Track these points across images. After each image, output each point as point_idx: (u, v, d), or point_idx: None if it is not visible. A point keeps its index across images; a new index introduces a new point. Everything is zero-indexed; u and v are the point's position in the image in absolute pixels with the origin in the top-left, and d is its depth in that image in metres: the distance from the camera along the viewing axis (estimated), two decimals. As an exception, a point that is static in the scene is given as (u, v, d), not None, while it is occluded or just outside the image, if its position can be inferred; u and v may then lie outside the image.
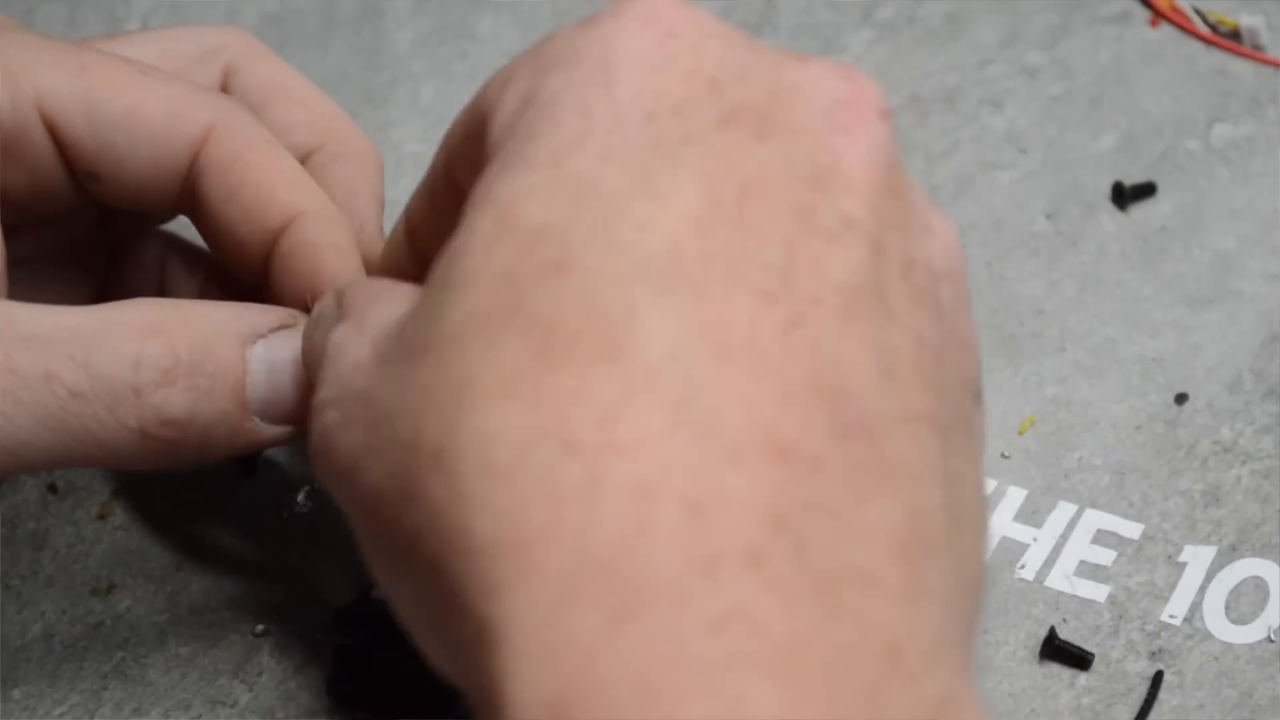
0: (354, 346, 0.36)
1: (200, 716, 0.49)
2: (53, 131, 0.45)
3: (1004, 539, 0.53)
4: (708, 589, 0.28)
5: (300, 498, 0.47)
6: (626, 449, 0.29)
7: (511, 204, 0.32)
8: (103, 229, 0.51)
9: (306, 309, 0.45)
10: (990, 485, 0.54)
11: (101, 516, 0.53)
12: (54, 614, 0.51)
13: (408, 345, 0.33)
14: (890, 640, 0.29)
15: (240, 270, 0.48)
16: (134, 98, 0.46)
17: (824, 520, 0.29)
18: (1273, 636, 0.51)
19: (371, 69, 0.67)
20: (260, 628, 0.50)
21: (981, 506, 0.34)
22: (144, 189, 0.47)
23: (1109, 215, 0.62)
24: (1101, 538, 0.53)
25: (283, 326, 0.44)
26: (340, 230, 0.47)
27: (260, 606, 0.51)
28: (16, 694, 0.49)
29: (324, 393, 0.37)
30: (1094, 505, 0.54)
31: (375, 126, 0.65)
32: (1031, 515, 0.54)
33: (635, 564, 0.28)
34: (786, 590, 0.28)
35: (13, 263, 0.47)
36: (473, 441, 0.30)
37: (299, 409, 0.44)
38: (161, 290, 0.51)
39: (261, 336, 0.44)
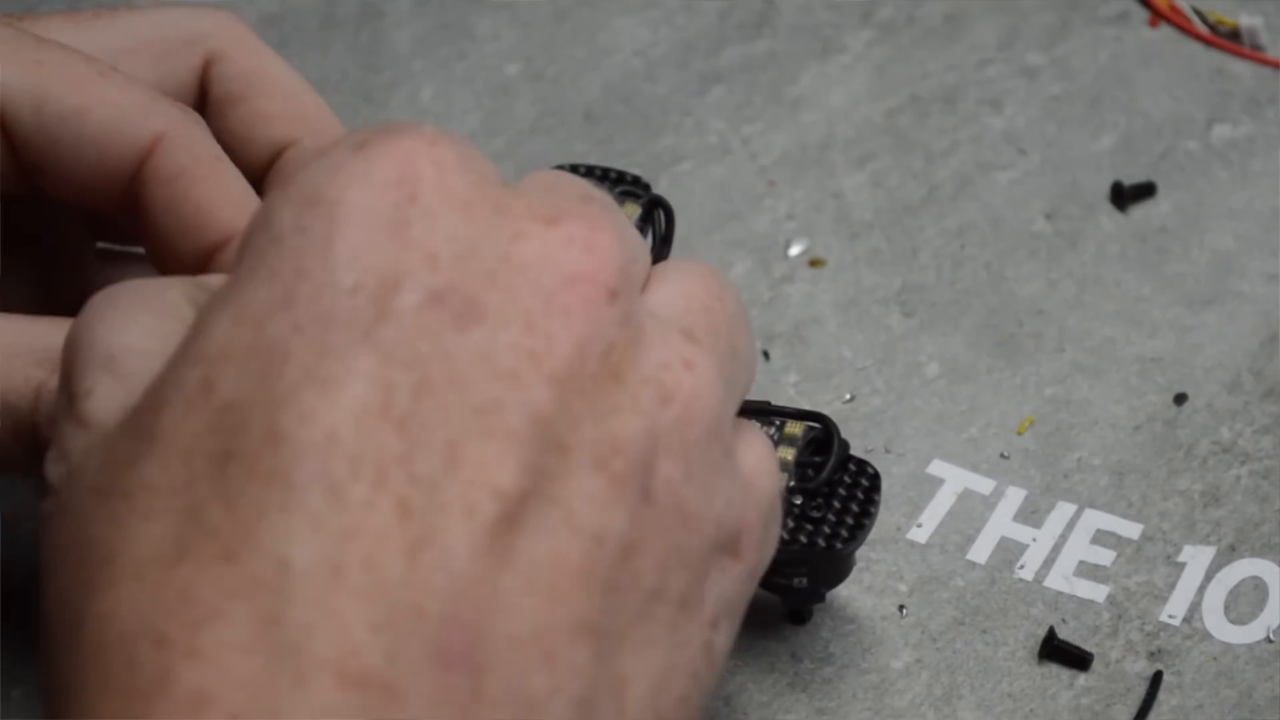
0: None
1: (199, 717, 0.49)
2: (1, 121, 0.45)
3: (1003, 539, 0.53)
4: None
5: None
6: (202, 655, 0.29)
7: (214, 367, 0.31)
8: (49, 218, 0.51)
9: None
10: (990, 485, 0.54)
11: (101, 517, 0.53)
12: (53, 614, 0.51)
13: (92, 480, 0.32)
14: None
15: None
16: (85, 98, 0.46)
17: None
18: (1272, 637, 0.51)
19: (371, 69, 0.67)
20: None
21: (678, 704, 0.33)
22: (87, 188, 0.46)
23: (1108, 215, 0.62)
24: (1101, 538, 0.53)
25: None
26: None
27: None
28: (16, 694, 0.49)
29: None
30: (1093, 505, 0.54)
31: (374, 127, 0.65)
32: (1031, 515, 0.54)
33: None
34: None
35: None
36: (95, 618, 0.30)
37: None
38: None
39: None
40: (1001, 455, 0.55)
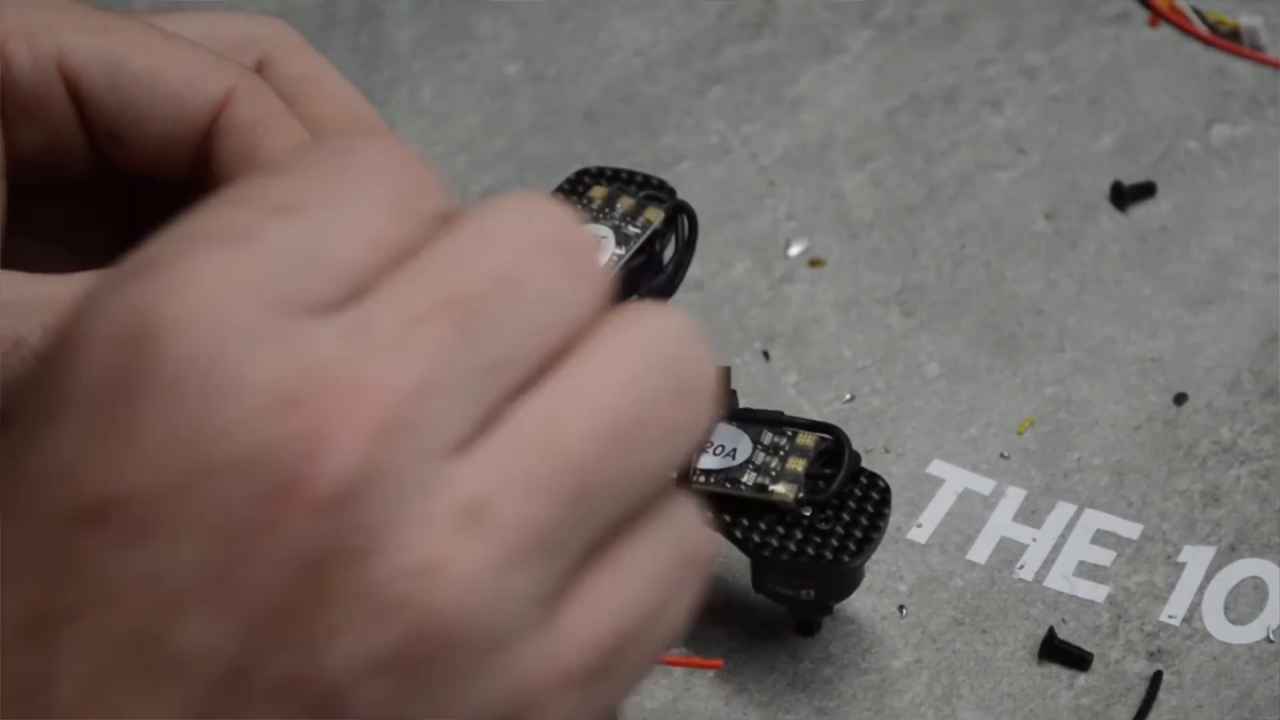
0: None
1: (200, 717, 0.49)
2: (74, 90, 0.45)
3: (1003, 539, 0.53)
4: None
5: None
6: None
7: None
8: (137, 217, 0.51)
9: None
10: (989, 485, 0.54)
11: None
12: (53, 614, 0.51)
13: None
14: None
15: None
16: (157, 58, 0.46)
17: None
18: (1271, 637, 0.51)
19: (371, 69, 0.67)
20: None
21: None
22: (163, 150, 0.46)
23: (1108, 215, 0.62)
24: (1101, 538, 0.53)
25: None
26: None
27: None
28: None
29: None
30: (1093, 505, 0.54)
31: (375, 126, 0.65)
32: (1031, 515, 0.54)
33: None
34: None
35: (43, 229, 0.47)
36: None
37: None
38: None
39: None
40: (1001, 455, 0.55)
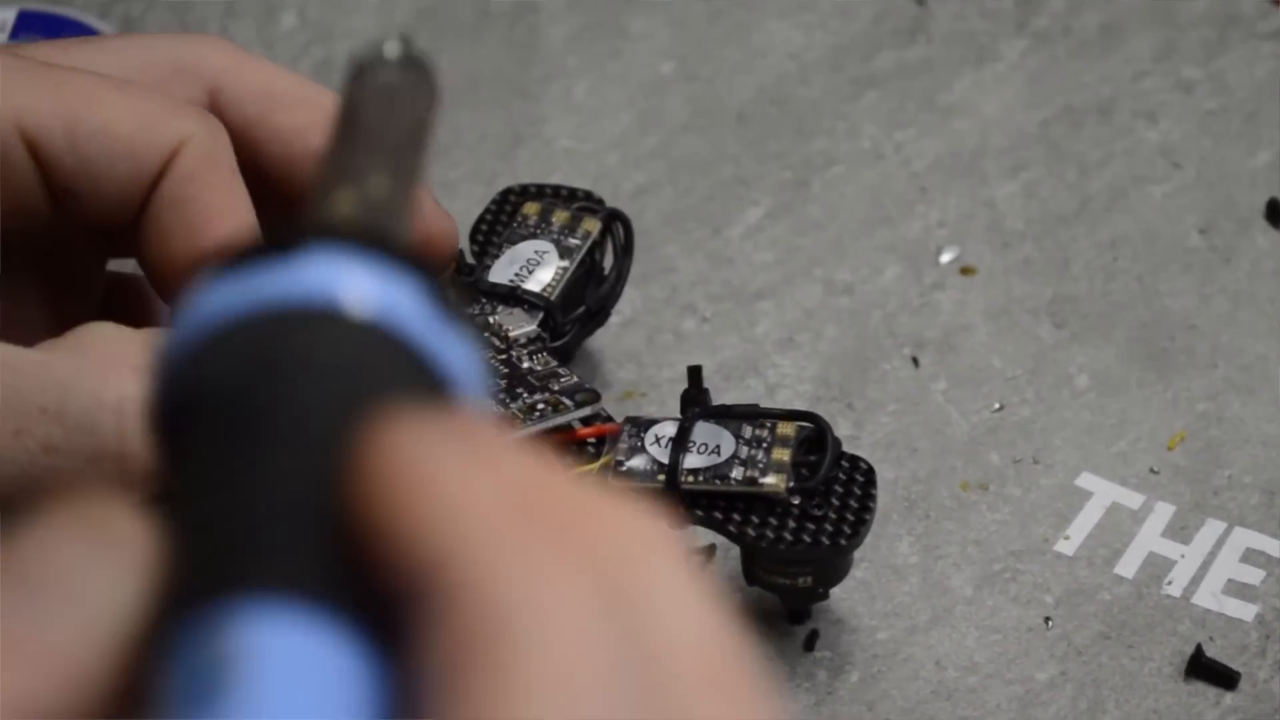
0: None
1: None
2: (33, 150, 0.45)
3: (1151, 554, 0.53)
4: None
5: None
6: None
7: None
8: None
9: None
10: (1138, 500, 0.54)
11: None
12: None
13: None
14: None
15: (166, 292, 0.46)
16: (111, 112, 0.45)
17: None
18: None
19: (525, 64, 0.68)
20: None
21: None
22: (117, 203, 0.46)
23: (1263, 232, 0.62)
24: (1250, 556, 0.53)
25: None
26: None
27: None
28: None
29: None
30: (1243, 524, 0.53)
31: (528, 121, 0.66)
32: (1180, 531, 0.53)
33: None
34: None
35: None
36: None
37: None
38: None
39: None
40: (1151, 470, 0.55)
